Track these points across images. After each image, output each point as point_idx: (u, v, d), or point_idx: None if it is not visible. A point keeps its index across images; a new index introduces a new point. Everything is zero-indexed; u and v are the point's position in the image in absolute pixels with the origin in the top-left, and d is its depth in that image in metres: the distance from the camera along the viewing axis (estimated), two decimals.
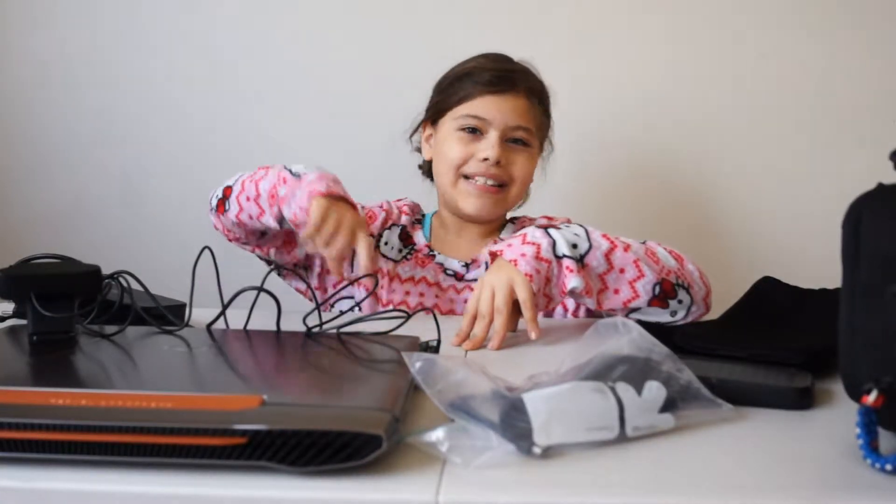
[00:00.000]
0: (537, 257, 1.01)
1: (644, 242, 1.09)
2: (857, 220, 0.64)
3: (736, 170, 1.60)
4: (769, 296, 1.08)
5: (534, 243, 1.02)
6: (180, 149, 1.63)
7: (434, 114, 1.31)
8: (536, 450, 0.62)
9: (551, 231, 1.04)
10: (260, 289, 1.01)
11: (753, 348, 0.85)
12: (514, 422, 0.63)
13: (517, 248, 1.02)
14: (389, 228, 1.32)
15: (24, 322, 0.85)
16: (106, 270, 0.89)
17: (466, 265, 1.29)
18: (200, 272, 0.98)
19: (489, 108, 1.24)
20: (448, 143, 1.26)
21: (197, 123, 1.62)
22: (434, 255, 1.30)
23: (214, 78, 1.62)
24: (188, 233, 1.60)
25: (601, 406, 0.65)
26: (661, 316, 1.06)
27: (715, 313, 1.04)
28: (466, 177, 1.25)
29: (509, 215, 1.36)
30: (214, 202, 1.21)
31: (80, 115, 1.63)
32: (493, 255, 1.05)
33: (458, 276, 1.28)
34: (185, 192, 1.63)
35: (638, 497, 0.58)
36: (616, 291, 1.04)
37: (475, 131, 1.25)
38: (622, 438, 0.65)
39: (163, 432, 0.58)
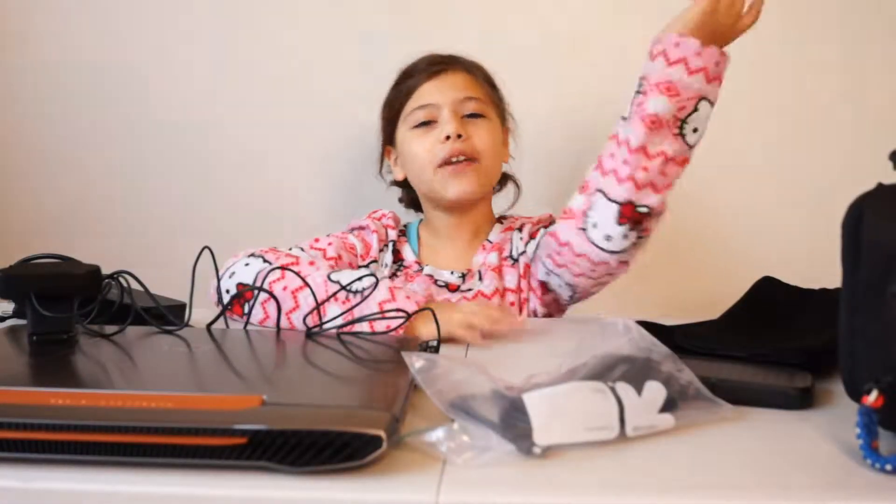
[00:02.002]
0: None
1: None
2: (858, 220, 0.64)
3: (735, 169, 1.60)
4: (769, 296, 1.08)
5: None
6: (181, 149, 1.63)
7: (388, 133, 1.33)
8: (536, 450, 0.62)
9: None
10: (260, 289, 1.01)
11: (753, 348, 0.85)
12: (514, 422, 0.63)
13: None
14: (382, 249, 1.30)
15: (24, 322, 0.85)
16: (106, 270, 0.89)
17: (462, 276, 1.27)
18: (200, 272, 0.98)
19: (431, 91, 1.26)
20: (409, 145, 1.27)
21: (198, 124, 1.62)
22: (422, 269, 1.28)
23: (216, 78, 1.62)
24: (188, 233, 1.60)
25: (601, 406, 0.65)
26: (608, 223, 1.05)
27: (715, 313, 1.04)
28: (440, 166, 1.24)
29: (498, 213, 1.36)
30: (226, 297, 1.04)
31: (79, 115, 1.63)
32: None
33: (450, 288, 1.26)
34: (185, 192, 1.63)
35: (638, 497, 0.58)
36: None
37: (429, 123, 1.26)
38: (622, 438, 0.65)
39: (163, 432, 0.58)
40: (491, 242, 1.30)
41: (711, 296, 1.12)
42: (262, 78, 1.61)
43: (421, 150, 1.26)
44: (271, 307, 1.01)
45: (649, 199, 1.04)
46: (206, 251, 0.96)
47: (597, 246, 1.07)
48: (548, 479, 0.59)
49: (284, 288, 1.02)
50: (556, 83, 1.58)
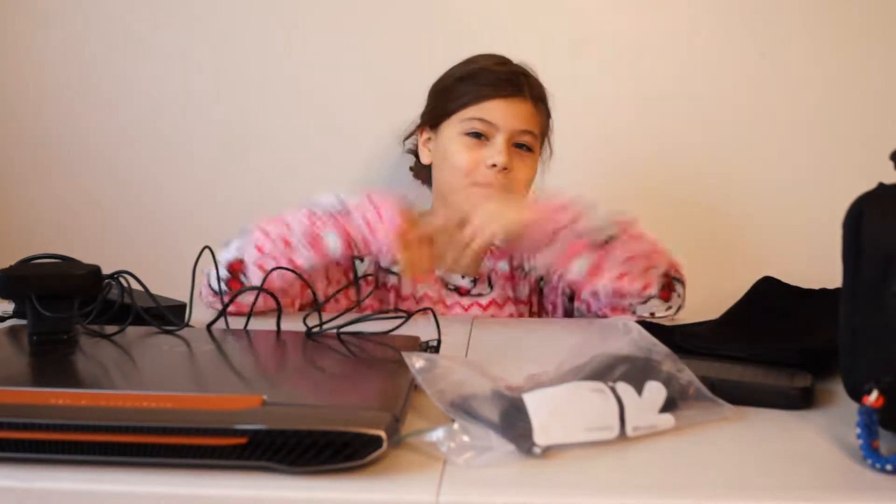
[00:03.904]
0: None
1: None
2: (858, 220, 0.64)
3: (735, 169, 1.60)
4: (769, 296, 1.08)
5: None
6: (180, 149, 1.63)
7: (434, 118, 1.28)
8: (536, 450, 0.62)
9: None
10: (260, 289, 1.01)
11: (753, 348, 0.85)
12: (514, 422, 0.63)
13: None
14: None
15: (24, 322, 0.85)
16: (106, 270, 0.89)
17: (474, 280, 1.28)
18: (200, 272, 0.98)
19: (497, 112, 1.21)
20: (453, 148, 1.23)
21: (197, 124, 1.62)
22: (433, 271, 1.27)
23: (215, 79, 1.62)
24: (188, 233, 1.60)
25: (601, 406, 0.65)
26: (659, 310, 1.13)
27: (715, 313, 1.04)
28: (475, 183, 1.22)
29: None
30: (221, 284, 1.10)
31: (80, 116, 1.63)
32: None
33: (461, 291, 1.26)
34: (185, 192, 1.63)
35: (638, 497, 0.58)
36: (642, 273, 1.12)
37: (480, 136, 1.22)
38: (622, 438, 0.65)
39: (163, 432, 0.58)
40: (499, 248, 1.30)
41: (711, 296, 1.12)
42: (263, 78, 1.61)
43: (463, 162, 1.22)
44: (272, 261, 1.09)
45: (663, 278, 1.14)
46: (207, 251, 0.96)
47: (656, 315, 1.16)
48: (548, 479, 0.59)
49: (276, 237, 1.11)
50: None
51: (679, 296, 1.14)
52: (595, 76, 1.59)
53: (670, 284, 1.14)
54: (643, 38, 1.59)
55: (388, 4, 1.59)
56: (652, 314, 1.13)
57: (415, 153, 1.36)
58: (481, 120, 1.22)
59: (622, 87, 1.59)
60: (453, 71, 1.28)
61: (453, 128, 1.24)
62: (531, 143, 1.24)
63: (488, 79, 1.23)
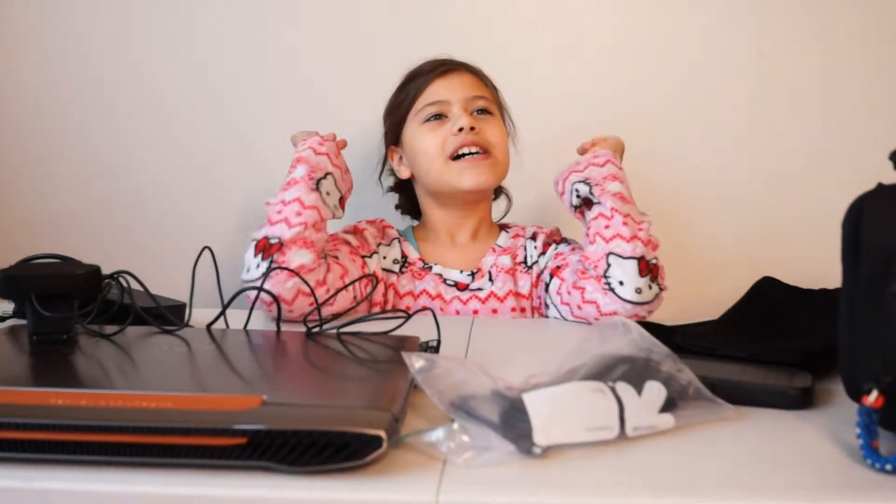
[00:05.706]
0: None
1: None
2: (857, 220, 0.64)
3: (735, 169, 1.60)
4: (769, 296, 1.08)
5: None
6: (180, 149, 1.63)
7: (394, 132, 1.33)
8: (536, 450, 0.62)
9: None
10: (260, 289, 1.01)
11: (753, 348, 0.85)
12: (514, 422, 0.63)
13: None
14: (381, 243, 1.29)
15: (24, 322, 0.85)
16: (106, 270, 0.89)
17: (472, 274, 1.27)
18: (200, 272, 0.98)
19: (442, 88, 1.28)
20: (420, 140, 1.27)
21: (198, 124, 1.62)
22: (430, 267, 1.28)
23: (214, 80, 1.62)
24: (188, 233, 1.60)
25: (601, 406, 0.65)
26: (633, 278, 1.11)
27: (715, 313, 1.04)
28: (452, 158, 1.25)
29: (500, 222, 1.38)
30: (264, 266, 1.10)
31: (79, 116, 1.63)
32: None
33: (459, 287, 1.26)
34: (185, 192, 1.63)
35: (638, 497, 0.58)
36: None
37: (440, 117, 1.27)
38: (622, 438, 0.65)
39: (163, 432, 0.58)
40: (501, 247, 1.31)
41: (711, 296, 1.12)
42: (263, 78, 1.61)
43: (433, 143, 1.26)
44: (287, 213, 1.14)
45: (653, 255, 1.13)
46: (206, 251, 0.96)
47: (629, 301, 1.10)
48: (548, 479, 0.59)
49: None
50: (548, 86, 1.59)
51: (651, 287, 1.10)
52: (593, 76, 1.59)
53: (655, 271, 1.11)
54: (642, 37, 1.59)
55: (383, 5, 1.59)
56: (639, 290, 1.09)
57: (394, 188, 1.41)
58: (432, 103, 1.27)
59: (621, 87, 1.59)
60: (398, 85, 1.34)
61: (412, 125, 1.29)
62: (487, 106, 1.29)
63: (426, 69, 1.31)
